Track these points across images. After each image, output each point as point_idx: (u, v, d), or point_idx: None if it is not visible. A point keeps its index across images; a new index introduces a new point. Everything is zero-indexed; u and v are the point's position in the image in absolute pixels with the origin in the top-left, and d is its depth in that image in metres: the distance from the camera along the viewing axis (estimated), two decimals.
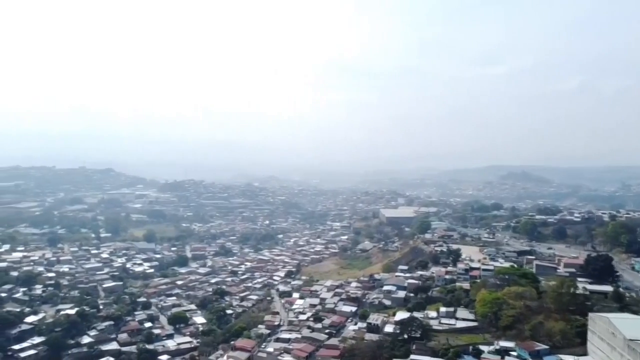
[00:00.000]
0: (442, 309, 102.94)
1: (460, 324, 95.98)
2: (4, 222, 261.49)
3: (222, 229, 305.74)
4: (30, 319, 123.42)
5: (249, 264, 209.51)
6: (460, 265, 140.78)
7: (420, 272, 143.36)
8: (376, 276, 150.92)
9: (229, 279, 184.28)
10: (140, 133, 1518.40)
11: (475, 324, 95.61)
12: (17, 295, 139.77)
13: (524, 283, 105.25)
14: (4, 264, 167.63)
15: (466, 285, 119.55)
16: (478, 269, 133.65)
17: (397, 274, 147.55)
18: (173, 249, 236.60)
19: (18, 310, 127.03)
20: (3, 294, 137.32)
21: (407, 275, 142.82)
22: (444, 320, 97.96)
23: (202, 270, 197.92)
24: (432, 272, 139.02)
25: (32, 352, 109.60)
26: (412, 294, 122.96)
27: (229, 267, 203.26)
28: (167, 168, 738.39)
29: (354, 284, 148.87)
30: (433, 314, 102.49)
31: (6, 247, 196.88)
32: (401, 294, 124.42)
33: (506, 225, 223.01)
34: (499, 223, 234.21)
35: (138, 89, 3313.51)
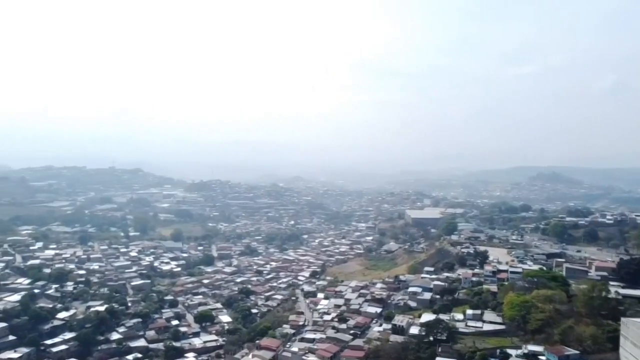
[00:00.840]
0: (469, 312, 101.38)
1: (488, 327, 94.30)
2: (37, 220, 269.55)
3: (247, 229, 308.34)
4: (62, 315, 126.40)
5: (274, 263, 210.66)
6: (488, 268, 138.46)
7: (446, 274, 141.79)
8: (401, 277, 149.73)
9: (254, 278, 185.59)
10: (168, 134, 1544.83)
11: (502, 327, 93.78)
12: (49, 292, 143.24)
13: (553, 286, 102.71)
14: (37, 261, 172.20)
15: (493, 287, 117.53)
16: (506, 271, 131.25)
17: (422, 275, 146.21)
18: (199, 248, 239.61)
19: (50, 306, 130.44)
20: (36, 290, 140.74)
21: (433, 276, 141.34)
22: (470, 323, 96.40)
23: (227, 269, 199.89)
24: (459, 274, 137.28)
25: (63, 347, 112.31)
26: (438, 296, 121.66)
27: (254, 267, 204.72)
28: (194, 168, 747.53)
29: (379, 285, 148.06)
30: (459, 316, 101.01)
31: (39, 244, 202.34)
32: (427, 295, 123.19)
33: (535, 227, 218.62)
34: (528, 225, 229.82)
35: (166, 90, 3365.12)
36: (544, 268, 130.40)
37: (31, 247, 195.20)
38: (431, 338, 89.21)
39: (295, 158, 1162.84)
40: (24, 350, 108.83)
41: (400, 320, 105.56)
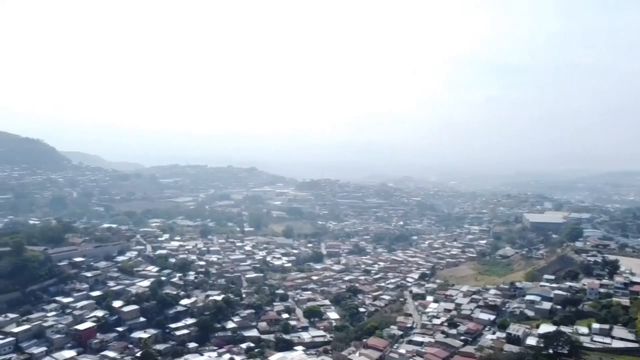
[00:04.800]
0: (595, 325, 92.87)
1: (617, 344, 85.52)
2: (165, 214, 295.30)
3: (356, 228, 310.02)
4: (184, 301, 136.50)
5: (382, 263, 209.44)
6: (618, 279, 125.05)
7: (569, 283, 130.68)
8: (518, 284, 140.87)
9: (362, 277, 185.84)
10: (280, 134, 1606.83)
11: (635, 345, 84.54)
12: (174, 280, 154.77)
13: None
14: (164, 251, 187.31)
15: (625, 301, 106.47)
16: None
17: (541, 283, 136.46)
18: (309, 245, 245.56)
19: (175, 293, 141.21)
20: (163, 278, 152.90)
21: (554, 285, 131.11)
22: (597, 338, 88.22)
23: (336, 267, 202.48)
24: (584, 284, 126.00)
25: (185, 331, 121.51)
26: (558, 306, 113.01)
27: (363, 266, 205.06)
28: (304, 168, 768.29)
29: (492, 291, 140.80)
30: (584, 329, 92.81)
31: (166, 236, 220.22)
32: (546, 305, 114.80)
33: None
34: None
35: (279, 93, 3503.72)
36: None
37: (159, 238, 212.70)
38: (550, 351, 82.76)
39: (404, 158, 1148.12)
40: (152, 331, 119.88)
41: (515, 329, 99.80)
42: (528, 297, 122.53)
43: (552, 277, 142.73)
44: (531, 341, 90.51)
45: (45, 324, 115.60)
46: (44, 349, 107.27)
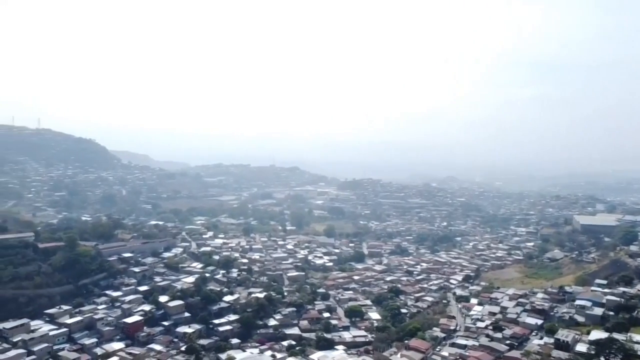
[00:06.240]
0: None
1: None
2: (209, 212, 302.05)
3: (398, 228, 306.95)
4: (228, 298, 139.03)
5: (424, 264, 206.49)
6: None
7: (622, 289, 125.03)
8: (567, 289, 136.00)
9: (404, 278, 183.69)
10: (321, 134, 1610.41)
11: None
12: (217, 276, 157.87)
13: None
14: (208, 249, 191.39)
15: None
16: None
17: (592, 288, 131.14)
18: (351, 244, 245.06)
19: (218, 289, 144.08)
20: (207, 274, 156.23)
21: (606, 290, 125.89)
22: None
23: (378, 267, 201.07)
24: (639, 290, 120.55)
25: (228, 327, 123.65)
26: (611, 312, 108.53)
27: (405, 267, 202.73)
28: (345, 167, 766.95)
29: (540, 295, 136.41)
30: (639, 337, 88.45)
31: (210, 233, 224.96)
32: (598, 311, 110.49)
33: None
34: None
35: (320, 94, 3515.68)
36: None
37: (204, 236, 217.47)
38: (602, 358, 79.51)
39: (447, 158, 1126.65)
40: (196, 326, 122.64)
41: (564, 335, 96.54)
42: (578, 302, 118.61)
43: (604, 281, 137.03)
44: (581, 348, 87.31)
45: (96, 317, 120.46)
46: (94, 340, 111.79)
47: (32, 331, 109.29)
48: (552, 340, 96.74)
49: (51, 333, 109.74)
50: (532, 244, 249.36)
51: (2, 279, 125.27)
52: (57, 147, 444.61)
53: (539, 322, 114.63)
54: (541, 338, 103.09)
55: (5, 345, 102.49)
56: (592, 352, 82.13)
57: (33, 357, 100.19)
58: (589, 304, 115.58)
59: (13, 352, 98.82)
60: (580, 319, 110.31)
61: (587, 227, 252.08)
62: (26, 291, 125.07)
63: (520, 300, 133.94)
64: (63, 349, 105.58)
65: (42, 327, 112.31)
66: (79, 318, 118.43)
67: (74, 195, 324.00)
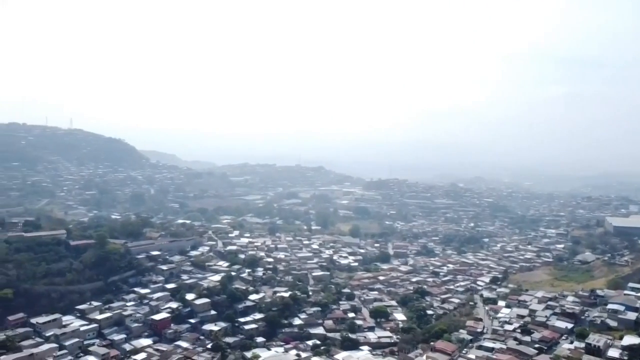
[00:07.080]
0: None
1: None
2: (235, 211, 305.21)
3: (424, 229, 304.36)
4: (253, 297, 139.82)
5: (451, 265, 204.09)
6: None
7: None
8: (599, 292, 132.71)
9: (430, 279, 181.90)
10: (346, 134, 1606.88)
11: None
12: (243, 275, 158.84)
13: None
14: (234, 247, 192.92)
15: None
16: None
17: (626, 292, 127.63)
18: (376, 245, 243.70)
19: (244, 288, 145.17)
20: (233, 273, 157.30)
21: None
22: None
23: (403, 268, 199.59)
24: None
25: (253, 326, 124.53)
26: None
27: (431, 267, 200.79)
28: (371, 167, 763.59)
29: (570, 298, 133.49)
30: None
31: (236, 232, 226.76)
32: (631, 315, 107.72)
33: None
34: None
35: (346, 92, 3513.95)
36: None
37: (230, 235, 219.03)
38: None
39: (474, 158, 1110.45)
40: (222, 324, 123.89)
41: (596, 339, 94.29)
42: (610, 306, 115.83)
43: (638, 285, 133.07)
44: (614, 353, 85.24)
45: (125, 313, 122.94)
46: (123, 336, 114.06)
47: (64, 326, 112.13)
48: (582, 345, 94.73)
49: (82, 328, 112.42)
50: (562, 245, 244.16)
51: (35, 275, 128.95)
52: (88, 146, 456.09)
53: (569, 326, 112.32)
54: (571, 342, 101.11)
55: (39, 340, 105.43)
56: (625, 357, 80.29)
57: (64, 351, 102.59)
58: (621, 308, 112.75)
59: (46, 346, 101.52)
60: (613, 323, 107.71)
61: (620, 229, 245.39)
62: (58, 287, 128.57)
63: (549, 303, 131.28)
64: (93, 344, 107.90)
65: (73, 323, 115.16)
66: (108, 314, 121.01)
67: (104, 194, 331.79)
